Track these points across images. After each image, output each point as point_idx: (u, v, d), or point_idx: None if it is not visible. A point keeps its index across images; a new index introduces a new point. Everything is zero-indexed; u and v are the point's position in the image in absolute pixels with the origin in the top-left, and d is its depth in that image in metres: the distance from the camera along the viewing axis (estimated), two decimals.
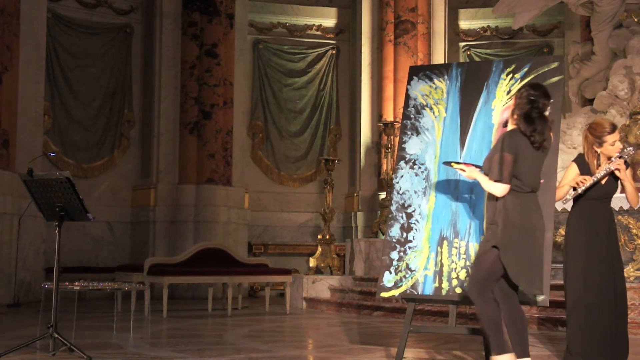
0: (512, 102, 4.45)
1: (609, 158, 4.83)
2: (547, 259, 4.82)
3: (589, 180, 4.78)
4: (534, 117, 4.31)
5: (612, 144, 4.83)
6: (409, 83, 5.69)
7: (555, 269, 8.19)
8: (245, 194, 13.56)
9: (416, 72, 5.72)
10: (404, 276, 5.16)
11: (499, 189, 4.31)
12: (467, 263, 4.96)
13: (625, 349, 4.78)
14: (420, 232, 5.22)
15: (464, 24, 14.76)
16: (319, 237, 11.81)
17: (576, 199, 4.90)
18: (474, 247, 4.97)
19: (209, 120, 12.84)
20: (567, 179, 4.92)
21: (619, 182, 4.91)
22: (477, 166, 4.57)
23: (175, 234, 12.70)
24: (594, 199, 4.85)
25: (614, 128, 4.85)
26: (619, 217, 7.96)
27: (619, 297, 4.78)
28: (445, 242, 5.10)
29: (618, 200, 7.98)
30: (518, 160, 4.28)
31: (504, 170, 4.27)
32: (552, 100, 4.45)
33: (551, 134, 4.45)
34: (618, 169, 4.79)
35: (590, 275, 4.77)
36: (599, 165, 4.86)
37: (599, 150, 4.84)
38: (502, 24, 14.35)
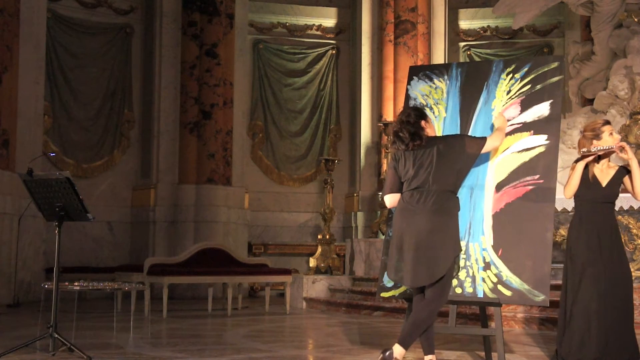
0: (510, 102, 4.51)
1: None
2: (547, 258, 4.82)
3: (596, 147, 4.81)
4: (394, 138, 4.84)
5: (610, 134, 4.84)
6: (409, 83, 5.69)
7: (555, 269, 8.19)
8: (245, 194, 13.57)
9: (416, 72, 5.72)
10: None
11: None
12: (467, 263, 4.96)
13: (634, 351, 4.72)
14: None
15: (464, 24, 14.75)
16: (319, 237, 11.81)
17: (577, 203, 4.91)
18: (474, 247, 4.97)
19: (209, 120, 12.84)
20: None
21: (620, 186, 4.89)
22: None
23: (175, 234, 12.70)
24: (595, 202, 4.83)
25: (607, 121, 4.90)
26: (619, 217, 7.95)
27: (621, 302, 4.72)
28: None
29: (618, 201, 7.97)
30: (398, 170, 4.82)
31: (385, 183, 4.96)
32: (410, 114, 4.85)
33: (426, 129, 4.82)
34: (623, 147, 4.75)
35: (592, 280, 4.74)
36: (596, 162, 4.87)
37: (598, 146, 4.84)
38: (502, 24, 14.34)
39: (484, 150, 4.85)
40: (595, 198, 4.83)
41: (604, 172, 4.89)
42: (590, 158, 4.87)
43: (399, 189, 4.82)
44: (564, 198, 4.99)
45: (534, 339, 6.74)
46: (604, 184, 4.85)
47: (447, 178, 4.69)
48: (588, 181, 4.86)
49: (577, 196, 4.93)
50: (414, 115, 4.81)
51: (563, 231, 8.43)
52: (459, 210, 4.78)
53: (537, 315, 7.55)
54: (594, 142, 4.84)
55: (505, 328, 7.30)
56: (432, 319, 4.65)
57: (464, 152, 4.74)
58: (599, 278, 4.73)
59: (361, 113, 14.09)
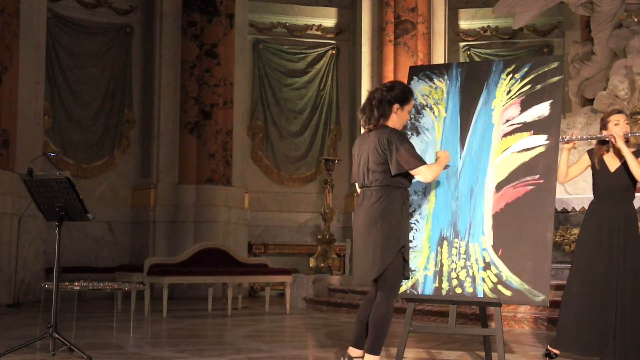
0: (510, 102, 4.51)
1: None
2: (547, 258, 4.82)
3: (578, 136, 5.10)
4: (361, 108, 4.59)
5: (616, 124, 4.92)
6: (408, 83, 5.68)
7: (555, 269, 8.20)
8: (245, 194, 13.57)
9: (416, 72, 5.71)
10: None
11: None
12: (467, 263, 4.96)
13: (635, 351, 4.71)
14: (420, 232, 5.21)
15: (464, 24, 14.75)
16: (319, 237, 11.81)
17: (593, 193, 5.08)
18: (474, 247, 4.97)
19: (209, 120, 12.84)
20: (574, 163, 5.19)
21: (629, 174, 4.96)
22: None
23: (175, 234, 12.70)
24: (606, 190, 4.94)
25: (618, 111, 5.03)
26: None
27: (621, 297, 4.73)
28: (445, 242, 5.09)
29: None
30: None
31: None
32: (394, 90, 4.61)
33: (391, 115, 4.54)
34: (613, 136, 4.87)
35: (585, 270, 4.79)
36: (607, 151, 4.99)
37: (604, 133, 5.00)
38: (502, 24, 14.34)
39: (415, 174, 4.54)
40: (606, 185, 4.98)
41: (616, 160, 5.00)
42: (571, 145, 5.12)
43: None
44: (564, 199, 5.04)
45: (533, 339, 6.74)
46: (612, 171, 4.94)
47: (378, 175, 4.50)
48: (595, 169, 5.00)
49: (593, 185, 5.10)
50: (394, 95, 4.53)
51: (563, 231, 8.44)
52: (402, 201, 4.56)
53: (537, 315, 7.55)
54: (603, 132, 5.00)
55: (505, 328, 7.30)
56: (390, 315, 4.59)
57: (392, 161, 4.47)
58: (592, 266, 4.78)
59: None
